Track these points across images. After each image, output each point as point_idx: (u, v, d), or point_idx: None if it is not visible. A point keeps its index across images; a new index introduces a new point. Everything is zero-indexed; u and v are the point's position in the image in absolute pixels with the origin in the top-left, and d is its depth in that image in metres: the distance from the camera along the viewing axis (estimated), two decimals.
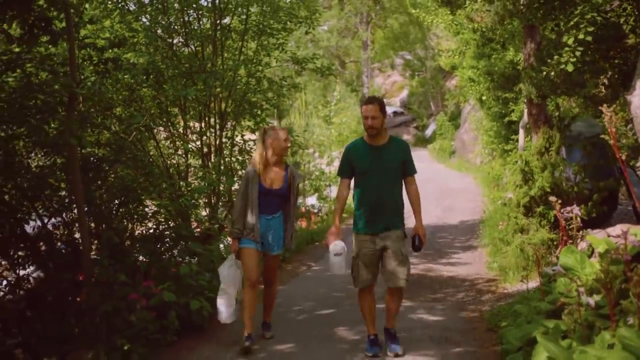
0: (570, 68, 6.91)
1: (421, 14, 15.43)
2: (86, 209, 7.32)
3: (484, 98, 17.23)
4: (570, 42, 6.82)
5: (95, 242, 8.04)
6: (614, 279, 4.27)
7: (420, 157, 29.36)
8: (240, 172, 10.31)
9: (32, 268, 7.91)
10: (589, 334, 4.46)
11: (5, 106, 7.05)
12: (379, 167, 5.87)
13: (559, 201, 6.64)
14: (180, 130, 10.67)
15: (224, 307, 6.37)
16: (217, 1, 10.62)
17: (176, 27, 10.82)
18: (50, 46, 7.28)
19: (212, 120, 10.77)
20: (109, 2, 10.14)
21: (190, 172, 10.74)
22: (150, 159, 9.58)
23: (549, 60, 7.23)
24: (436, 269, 10.72)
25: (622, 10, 6.85)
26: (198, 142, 10.69)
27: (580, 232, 6.88)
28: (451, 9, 10.46)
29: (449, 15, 12.91)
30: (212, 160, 10.42)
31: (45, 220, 7.93)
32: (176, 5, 10.62)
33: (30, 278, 7.81)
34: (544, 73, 7.30)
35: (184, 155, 10.50)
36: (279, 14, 11.07)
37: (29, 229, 7.90)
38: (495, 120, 19.44)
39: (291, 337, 6.80)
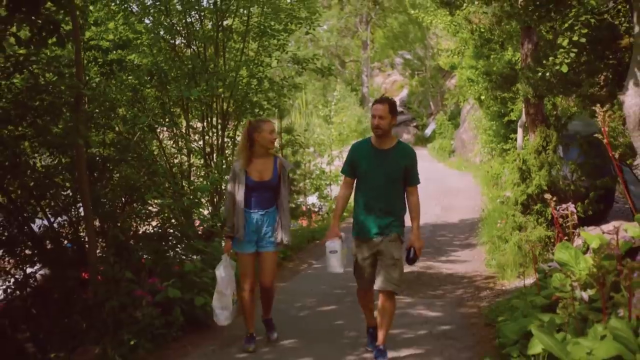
0: (564, 69, 7.03)
1: (420, 14, 15.59)
2: (92, 207, 7.44)
3: (482, 98, 17.35)
4: (564, 43, 6.94)
5: (101, 240, 8.18)
6: (607, 274, 4.41)
7: (420, 157, 29.01)
8: None
9: (38, 266, 8.07)
10: (582, 326, 4.61)
11: (12, 107, 7.20)
12: (380, 172, 5.67)
13: (554, 198, 6.77)
14: (183, 130, 10.81)
15: (221, 310, 6.23)
16: (218, 2, 10.75)
17: (179, 28, 10.96)
18: (56, 48, 7.42)
19: (214, 120, 10.91)
20: (113, 4, 10.28)
21: (193, 171, 10.90)
22: (154, 159, 9.70)
23: (544, 62, 7.36)
24: (435, 266, 10.86)
25: (616, 12, 7.00)
26: (200, 142, 10.83)
27: (577, 229, 7.03)
28: (450, 9, 10.59)
29: (447, 15, 13.05)
30: (215, 159, 10.56)
31: (52, 219, 8.08)
32: (178, 6, 10.76)
33: (37, 275, 7.96)
34: (540, 74, 7.44)
35: (186, 155, 10.65)
36: (280, 15, 11.22)
37: (35, 227, 8.06)
38: (494, 119, 19.57)
39: (293, 333, 6.92)
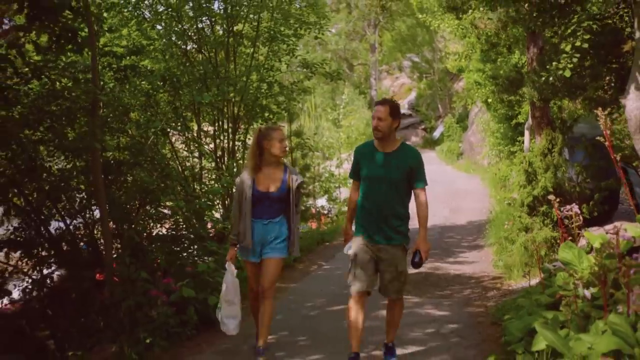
0: (567, 74, 7.18)
1: (428, 18, 15.72)
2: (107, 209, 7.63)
3: (489, 101, 17.45)
4: (567, 49, 7.10)
5: (116, 241, 8.36)
6: (608, 272, 4.56)
7: (428, 159, 29.36)
8: None
9: (53, 267, 8.26)
10: (585, 323, 4.75)
11: (29, 111, 7.40)
12: (383, 175, 5.48)
13: (557, 200, 6.90)
14: (194, 134, 11.00)
15: (229, 319, 6.02)
16: (229, 9, 10.93)
17: (190, 34, 11.15)
18: (71, 54, 7.62)
19: (224, 124, 11.09)
20: (126, 11, 10.48)
21: (204, 174, 11.08)
22: (167, 162, 9.88)
23: (547, 67, 7.52)
24: (443, 267, 11.01)
25: (618, 17, 7.14)
26: (212, 145, 11.01)
27: (582, 230, 7.15)
28: (456, 14, 10.75)
29: (454, 20, 13.19)
30: (226, 162, 10.73)
31: (68, 221, 8.28)
32: (190, 12, 10.96)
33: (54, 276, 8.15)
34: (543, 78, 7.60)
35: (198, 158, 10.84)
36: (290, 20, 11.40)
37: (51, 230, 8.26)
38: (502, 122, 19.65)
39: (304, 332, 7.09)
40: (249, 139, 11.09)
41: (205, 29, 11.41)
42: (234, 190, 6.28)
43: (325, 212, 17.10)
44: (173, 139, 11.02)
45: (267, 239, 5.93)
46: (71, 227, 8.41)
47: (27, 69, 7.00)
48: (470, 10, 9.52)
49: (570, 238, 6.86)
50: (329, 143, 20.30)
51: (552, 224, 9.09)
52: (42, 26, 6.06)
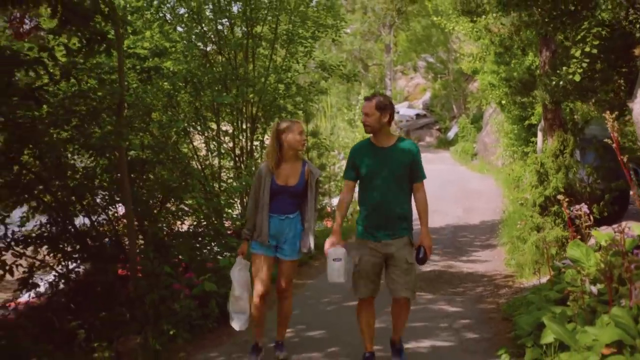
0: (577, 78, 7.38)
1: (443, 21, 15.90)
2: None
3: (503, 102, 17.58)
4: (577, 54, 7.31)
5: (139, 237, 8.62)
6: (613, 268, 4.79)
7: (443, 159, 29.74)
8: None
9: (79, 261, 8.51)
10: (591, 317, 4.97)
11: (56, 111, 7.66)
12: (382, 170, 5.40)
13: (566, 199, 7.09)
14: (214, 133, 11.26)
15: (237, 314, 5.96)
16: (248, 12, 11.18)
17: (210, 35, 11.42)
18: (96, 56, 7.88)
19: (243, 123, 11.35)
20: (148, 13, 10.76)
21: (223, 172, 11.34)
22: (187, 161, 10.14)
23: (557, 71, 7.73)
24: (456, 265, 11.21)
25: (628, 23, 7.32)
26: (230, 144, 11.27)
27: (591, 229, 7.35)
28: (471, 17, 10.96)
29: (469, 22, 13.37)
30: (245, 161, 10.99)
31: (93, 218, 8.55)
32: (210, 15, 11.22)
33: (79, 270, 8.41)
34: (554, 82, 7.81)
35: (217, 157, 11.09)
36: (307, 23, 11.62)
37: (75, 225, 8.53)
38: (516, 123, 19.74)
39: (321, 325, 7.33)
40: (267, 138, 11.28)
41: (225, 31, 11.66)
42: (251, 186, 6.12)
43: None
44: (193, 138, 11.28)
45: (283, 235, 5.85)
46: (95, 223, 8.67)
47: (57, 71, 7.26)
48: (485, 13, 9.71)
49: (579, 237, 7.06)
50: (344, 143, 20.50)
51: (563, 223, 9.28)
52: (74, 30, 6.32)
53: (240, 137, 11.34)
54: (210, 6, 11.28)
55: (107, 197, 8.75)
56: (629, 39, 7.49)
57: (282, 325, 6.15)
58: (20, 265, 7.82)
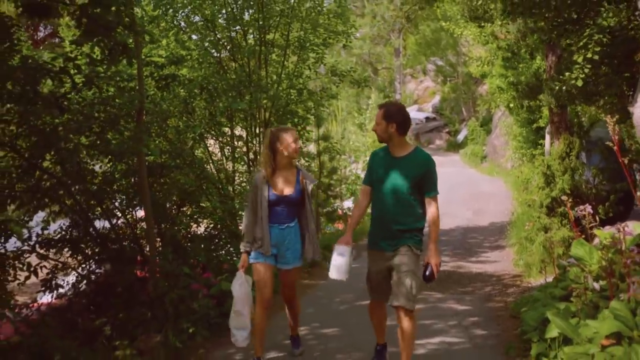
0: (579, 83, 7.59)
1: (451, 26, 16.11)
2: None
3: (511, 106, 17.75)
4: (579, 60, 7.54)
5: (158, 239, 8.88)
6: (614, 265, 5.04)
7: (452, 162, 29.90)
8: None
9: (100, 263, 8.77)
10: (594, 312, 5.21)
11: (77, 118, 7.93)
12: (390, 181, 5.25)
13: (572, 200, 7.31)
14: (228, 138, 11.52)
15: (238, 330, 5.91)
16: (260, 19, 11.41)
17: (224, 42, 11.68)
18: (116, 65, 8.15)
19: (256, 128, 11.60)
20: (163, 22, 11.04)
21: (237, 176, 11.59)
22: (203, 165, 10.41)
23: (560, 77, 7.95)
24: (466, 265, 11.43)
25: (630, 29, 7.50)
26: (244, 149, 11.52)
27: (595, 229, 7.56)
28: (479, 23, 11.19)
29: (477, 28, 13.56)
30: (257, 165, 11.23)
31: (113, 221, 8.82)
32: (223, 22, 11.48)
33: (100, 271, 8.67)
34: (557, 87, 8.03)
35: (231, 161, 11.35)
36: (319, 29, 11.85)
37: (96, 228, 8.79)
38: (524, 126, 19.85)
39: (335, 323, 7.56)
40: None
41: (238, 38, 11.91)
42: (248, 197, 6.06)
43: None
44: (208, 143, 11.54)
45: (284, 243, 5.81)
46: (115, 226, 8.94)
47: (80, 79, 7.53)
48: (493, 19, 9.93)
49: (584, 237, 7.27)
50: (355, 147, 20.73)
51: (570, 224, 9.48)
52: (97, 40, 6.59)
53: (254, 142, 11.58)
54: (224, 14, 11.53)
55: (125, 201, 9.01)
56: (632, 44, 7.68)
57: (295, 321, 6.31)
58: (45, 266, 8.09)
